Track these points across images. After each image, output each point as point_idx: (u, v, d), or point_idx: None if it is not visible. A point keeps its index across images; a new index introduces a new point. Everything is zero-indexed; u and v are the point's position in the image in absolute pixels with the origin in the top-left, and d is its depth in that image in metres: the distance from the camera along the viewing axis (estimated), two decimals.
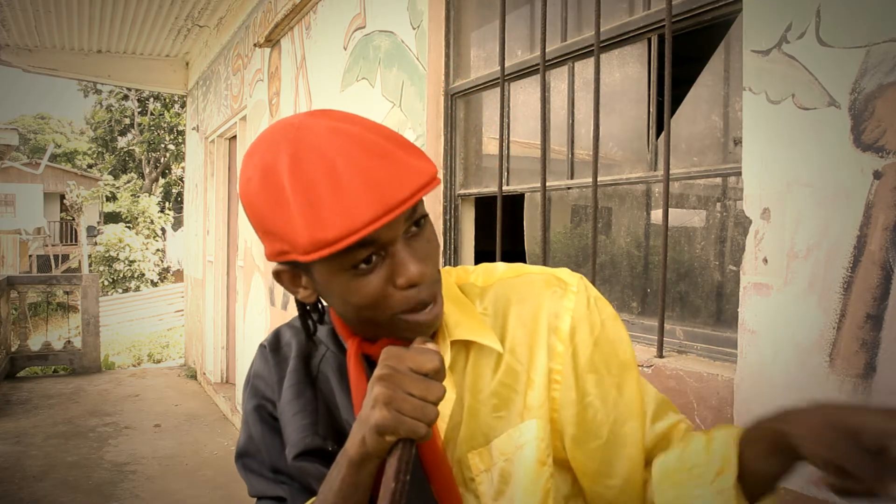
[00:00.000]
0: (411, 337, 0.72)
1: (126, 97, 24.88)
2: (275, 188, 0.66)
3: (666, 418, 0.80)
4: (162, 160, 25.51)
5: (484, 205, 2.55)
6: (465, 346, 0.78)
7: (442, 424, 0.76)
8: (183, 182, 17.49)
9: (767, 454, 0.65)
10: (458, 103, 2.51)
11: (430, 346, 0.67)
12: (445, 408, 0.76)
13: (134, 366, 9.43)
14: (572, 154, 1.95)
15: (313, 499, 0.73)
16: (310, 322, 0.81)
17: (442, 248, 2.50)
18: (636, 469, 0.78)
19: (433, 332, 0.75)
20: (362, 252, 0.67)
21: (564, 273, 0.81)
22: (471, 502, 0.77)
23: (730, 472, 0.67)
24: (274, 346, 0.86)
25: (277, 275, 0.75)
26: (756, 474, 0.67)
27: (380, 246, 0.68)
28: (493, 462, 0.76)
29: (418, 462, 0.73)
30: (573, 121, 1.94)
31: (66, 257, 22.09)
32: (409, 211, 0.68)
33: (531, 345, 0.78)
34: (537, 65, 1.97)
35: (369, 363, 0.78)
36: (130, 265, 17.81)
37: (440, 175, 2.48)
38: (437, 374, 0.65)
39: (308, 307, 0.80)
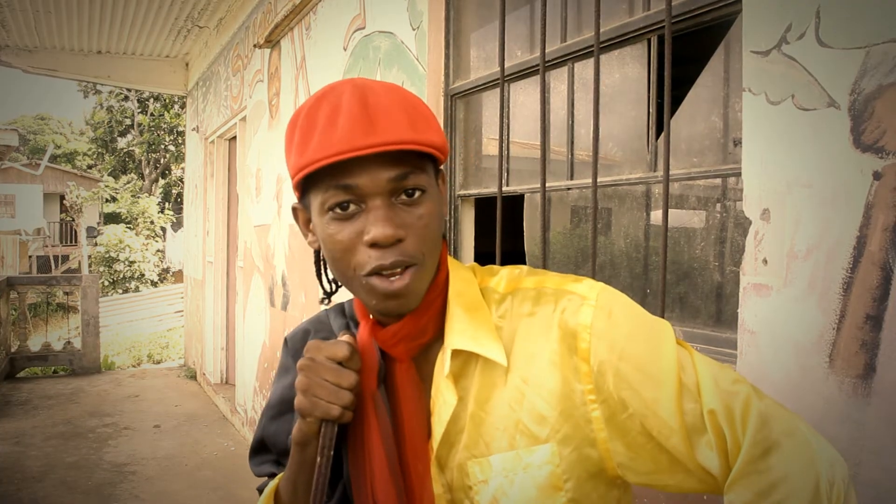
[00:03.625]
0: (380, 309, 0.75)
1: (126, 98, 24.88)
2: (292, 126, 0.75)
3: (705, 434, 0.69)
4: (162, 161, 25.51)
5: (484, 205, 2.55)
6: (475, 354, 0.76)
7: (439, 429, 0.76)
8: (183, 183, 17.51)
9: None
10: (457, 104, 2.52)
11: (345, 338, 0.75)
12: (444, 413, 0.76)
13: (133, 366, 9.43)
14: (572, 155, 1.95)
15: (281, 474, 0.84)
16: (324, 279, 0.86)
17: None
18: (692, 479, 0.72)
19: (403, 309, 0.74)
20: (339, 194, 0.71)
21: (583, 286, 0.76)
22: None
23: None
24: (294, 340, 0.93)
25: (294, 212, 0.82)
26: None
27: (359, 195, 0.71)
28: (492, 475, 0.75)
29: (401, 470, 0.77)
30: (573, 121, 1.94)
31: (65, 258, 22.07)
32: (398, 174, 0.71)
33: (540, 363, 0.74)
34: (537, 65, 1.97)
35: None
36: (130, 266, 17.81)
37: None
38: (350, 362, 0.74)
39: (322, 260, 0.85)
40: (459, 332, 0.76)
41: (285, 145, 0.76)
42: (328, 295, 0.87)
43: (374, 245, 0.70)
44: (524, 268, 0.83)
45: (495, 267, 0.84)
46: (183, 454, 4.67)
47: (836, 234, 1.12)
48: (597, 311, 0.73)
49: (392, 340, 0.77)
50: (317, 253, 0.84)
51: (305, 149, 0.71)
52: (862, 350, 1.08)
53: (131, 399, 6.28)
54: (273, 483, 0.85)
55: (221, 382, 6.20)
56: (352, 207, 0.71)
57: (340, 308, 0.90)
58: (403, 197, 0.72)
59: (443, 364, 0.76)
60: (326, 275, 0.85)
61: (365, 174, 0.70)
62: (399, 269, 0.71)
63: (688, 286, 1.64)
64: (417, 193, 0.72)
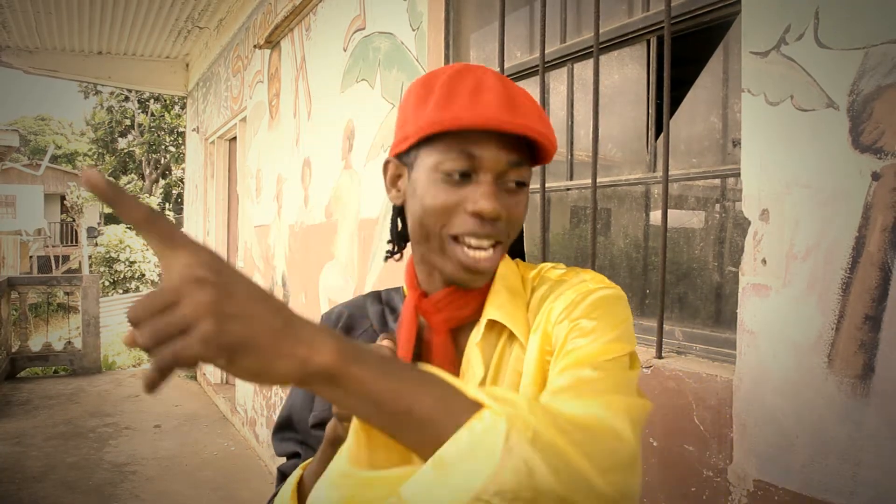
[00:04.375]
0: (452, 275, 0.78)
1: (126, 98, 24.90)
2: (427, 88, 0.78)
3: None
4: (162, 161, 25.53)
5: None
6: (501, 329, 0.81)
7: None
8: (183, 183, 17.51)
9: None
10: None
11: (385, 343, 0.76)
12: (472, 383, 0.78)
13: (134, 366, 9.42)
14: (571, 155, 1.95)
15: (306, 462, 0.85)
16: (396, 236, 0.90)
17: None
18: None
19: (474, 284, 0.79)
20: (462, 161, 0.75)
21: (589, 275, 0.82)
22: None
23: None
24: (328, 321, 0.96)
25: (386, 165, 0.85)
26: None
27: (477, 166, 0.75)
28: None
29: None
30: (572, 122, 1.95)
31: (66, 258, 22.06)
32: (516, 160, 0.76)
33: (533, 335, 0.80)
34: (536, 66, 1.97)
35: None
36: (131, 266, 17.81)
37: None
38: None
39: (400, 212, 0.88)
40: (498, 307, 0.81)
41: (412, 100, 0.78)
42: (392, 254, 0.91)
43: (476, 215, 0.75)
44: (559, 264, 0.89)
45: (532, 264, 0.91)
46: (183, 454, 4.68)
47: (835, 235, 1.12)
48: (576, 287, 0.78)
49: (434, 308, 0.81)
50: (396, 209, 0.88)
51: (449, 105, 0.74)
52: (861, 350, 1.08)
53: (132, 399, 6.28)
54: (297, 473, 0.86)
55: (221, 382, 6.21)
56: (466, 179, 0.76)
57: (377, 295, 0.95)
58: (510, 184, 0.77)
59: (476, 335, 0.80)
60: (400, 232, 0.90)
61: (491, 150, 0.74)
62: (488, 243, 0.76)
63: (687, 286, 1.65)
64: (520, 184, 0.78)
